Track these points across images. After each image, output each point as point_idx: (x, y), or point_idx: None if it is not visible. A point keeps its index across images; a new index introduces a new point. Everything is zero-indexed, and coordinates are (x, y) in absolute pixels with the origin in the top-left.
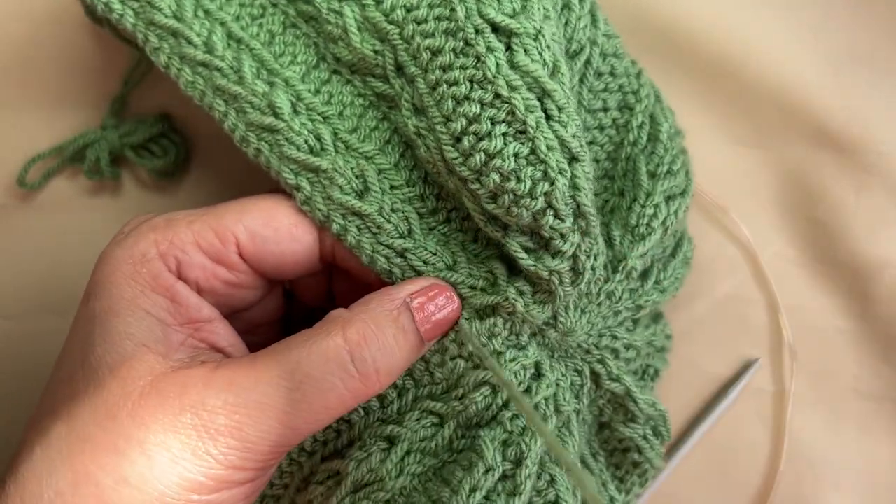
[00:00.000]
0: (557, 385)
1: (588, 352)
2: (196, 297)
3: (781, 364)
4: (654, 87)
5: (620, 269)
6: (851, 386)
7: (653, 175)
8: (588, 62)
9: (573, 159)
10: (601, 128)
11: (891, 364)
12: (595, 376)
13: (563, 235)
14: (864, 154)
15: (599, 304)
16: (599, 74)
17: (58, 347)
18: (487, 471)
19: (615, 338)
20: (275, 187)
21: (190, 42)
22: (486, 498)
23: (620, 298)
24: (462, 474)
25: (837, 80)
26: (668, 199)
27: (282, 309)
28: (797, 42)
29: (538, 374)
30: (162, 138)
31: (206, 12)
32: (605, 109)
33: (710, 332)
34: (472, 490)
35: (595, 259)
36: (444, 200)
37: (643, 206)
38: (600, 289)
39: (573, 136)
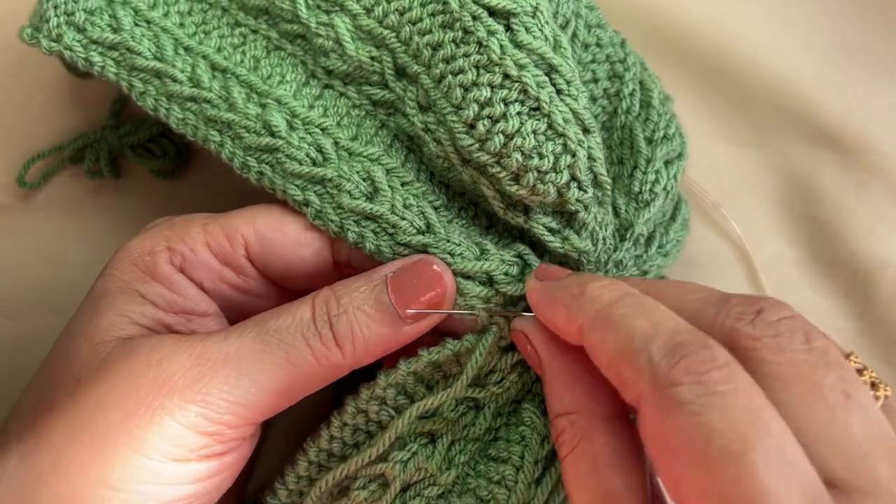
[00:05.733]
0: None
1: None
2: (195, 290)
3: None
4: (638, 56)
5: (628, 236)
6: None
7: (650, 141)
8: (575, 35)
9: (585, 130)
10: (593, 98)
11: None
12: None
13: (586, 207)
14: (864, 154)
15: (607, 273)
16: (586, 46)
17: None
18: (543, 440)
19: None
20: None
21: (175, 79)
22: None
23: (627, 266)
24: (520, 449)
25: (837, 79)
26: (667, 163)
27: None
28: (796, 41)
29: None
30: (162, 138)
31: (187, 49)
32: (595, 80)
33: None
34: (536, 462)
35: (605, 229)
36: (454, 199)
37: (644, 173)
38: (609, 258)
39: (584, 108)
